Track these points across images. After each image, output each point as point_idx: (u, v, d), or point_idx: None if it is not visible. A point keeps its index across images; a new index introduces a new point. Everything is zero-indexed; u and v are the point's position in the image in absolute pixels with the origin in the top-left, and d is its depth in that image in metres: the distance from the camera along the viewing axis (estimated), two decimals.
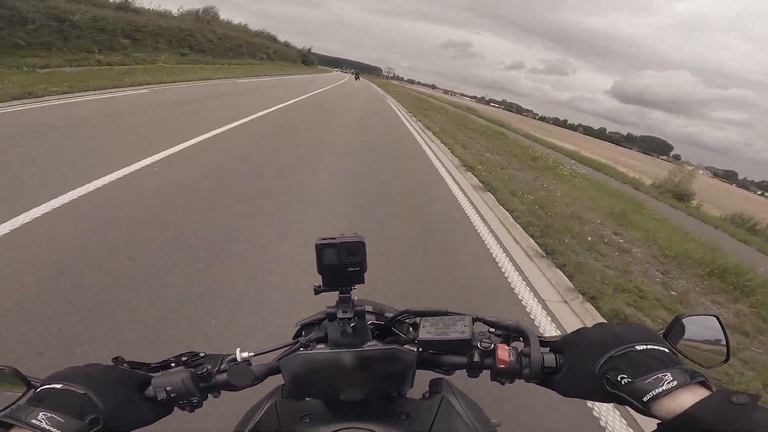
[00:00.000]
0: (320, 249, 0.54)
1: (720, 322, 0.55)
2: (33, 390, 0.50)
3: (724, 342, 0.54)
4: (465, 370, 0.58)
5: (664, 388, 0.43)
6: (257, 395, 0.67)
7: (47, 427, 0.44)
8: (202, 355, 0.59)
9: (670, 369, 0.44)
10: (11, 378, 0.51)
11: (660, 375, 0.44)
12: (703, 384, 0.44)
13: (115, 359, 0.56)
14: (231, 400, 0.63)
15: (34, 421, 0.44)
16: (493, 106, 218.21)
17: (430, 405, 0.60)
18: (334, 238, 0.55)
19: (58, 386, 0.48)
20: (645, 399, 0.43)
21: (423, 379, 0.65)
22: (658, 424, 0.43)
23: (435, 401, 0.61)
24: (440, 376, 0.63)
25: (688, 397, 0.42)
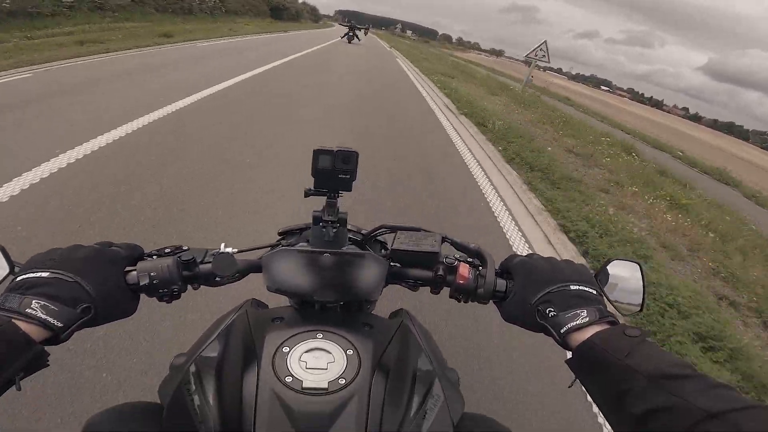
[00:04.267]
0: (317, 154, 0.58)
1: (641, 270, 0.56)
2: (13, 274, 0.48)
3: (641, 290, 0.55)
4: (429, 287, 0.63)
5: (577, 322, 0.49)
6: (223, 310, 0.67)
7: (42, 316, 0.42)
8: (185, 248, 0.59)
9: (588, 307, 0.51)
10: None
11: (578, 311, 0.50)
12: (611, 323, 0.49)
13: (101, 243, 0.54)
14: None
15: (28, 310, 0.42)
16: (619, 94, 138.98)
17: (391, 323, 0.65)
18: (332, 148, 0.58)
19: (45, 274, 0.45)
20: (562, 331, 0.50)
21: (385, 311, 0.72)
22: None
23: (395, 322, 0.65)
24: (401, 307, 0.71)
25: (596, 330, 0.48)
